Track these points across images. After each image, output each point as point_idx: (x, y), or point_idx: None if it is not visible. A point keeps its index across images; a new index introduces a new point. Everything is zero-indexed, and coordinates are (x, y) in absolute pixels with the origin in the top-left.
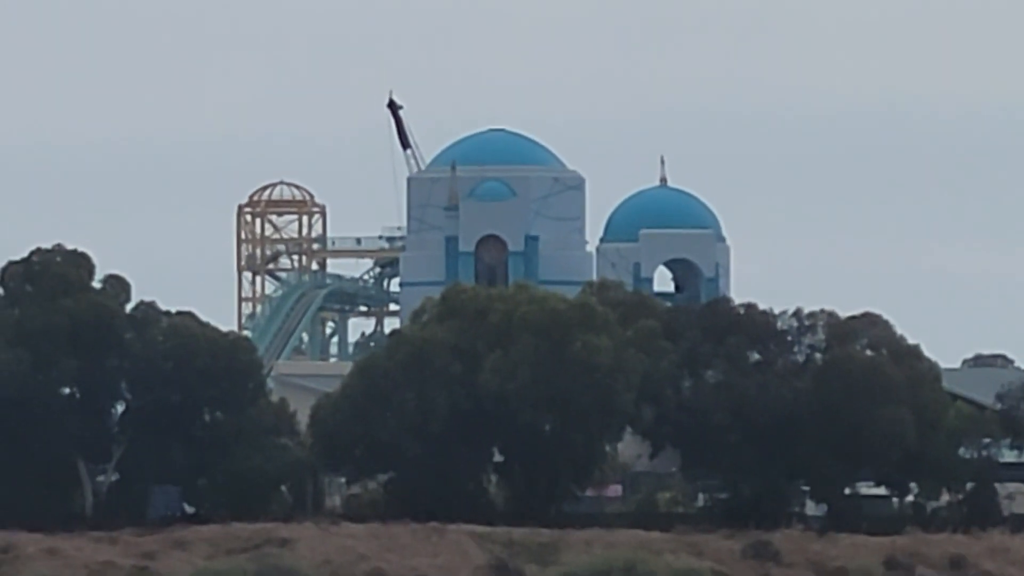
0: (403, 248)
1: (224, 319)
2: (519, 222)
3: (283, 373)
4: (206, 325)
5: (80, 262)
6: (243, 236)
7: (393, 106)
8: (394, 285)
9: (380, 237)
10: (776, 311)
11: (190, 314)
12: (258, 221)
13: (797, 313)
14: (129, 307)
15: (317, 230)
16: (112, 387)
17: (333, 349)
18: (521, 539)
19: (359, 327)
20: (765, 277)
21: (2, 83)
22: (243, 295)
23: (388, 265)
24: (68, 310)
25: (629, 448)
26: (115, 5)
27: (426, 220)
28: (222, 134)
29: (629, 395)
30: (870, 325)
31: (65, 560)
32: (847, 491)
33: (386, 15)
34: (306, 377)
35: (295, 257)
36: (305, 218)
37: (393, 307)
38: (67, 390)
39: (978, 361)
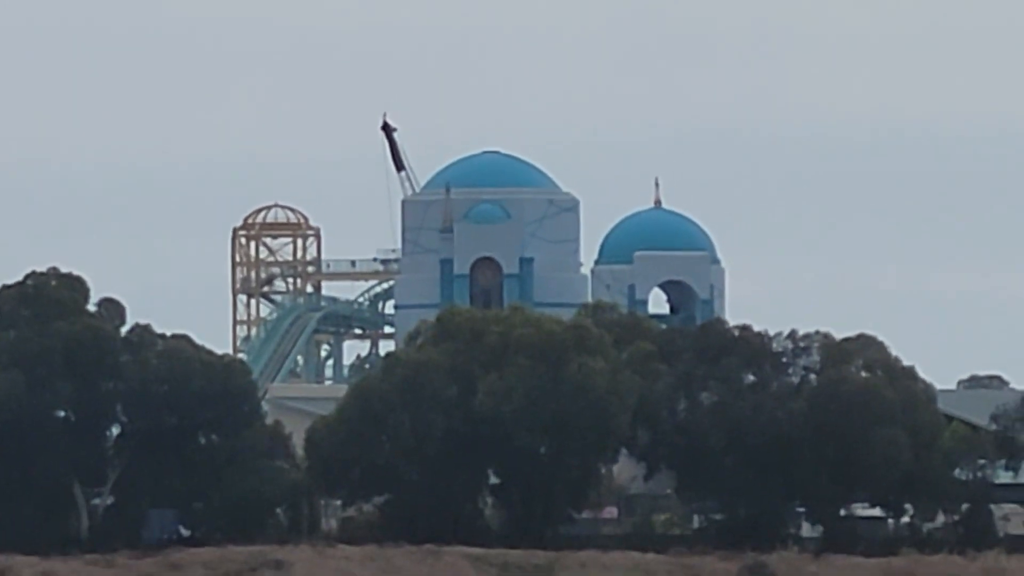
0: (398, 271)
1: (219, 342)
2: (514, 244)
3: (278, 396)
4: (201, 348)
5: (75, 285)
6: (238, 259)
7: (387, 128)
8: (389, 308)
9: (375, 260)
10: (771, 333)
11: (185, 337)
12: (253, 244)
13: (792, 335)
14: (124, 330)
15: (312, 253)
16: (107, 410)
17: (328, 372)
18: (517, 561)
19: (354, 349)
20: (760, 299)
21: None
22: (238, 318)
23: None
24: (63, 333)
25: (625, 470)
26: (109, 29)
27: (421, 243)
28: (216, 157)
29: (624, 417)
30: (865, 346)
31: None
32: (842, 512)
33: (380, 38)
34: (301, 400)
35: (290, 280)
36: (300, 241)
37: (388, 329)
38: (62, 413)
39: (973, 382)
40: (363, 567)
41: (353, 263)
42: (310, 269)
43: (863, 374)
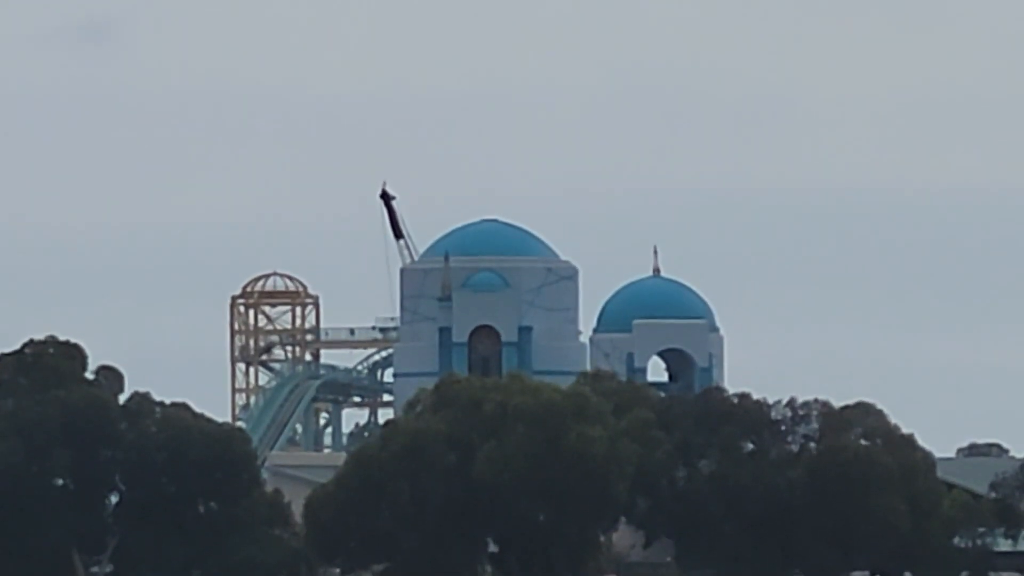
0: (397, 339)
1: (218, 410)
2: (512, 313)
3: (277, 464)
4: (200, 416)
5: (73, 353)
6: (236, 327)
7: (386, 196)
8: (387, 376)
9: (373, 328)
10: (770, 401)
11: (184, 405)
12: (251, 312)
13: (791, 403)
14: (122, 398)
15: (310, 321)
16: (106, 478)
17: (327, 440)
18: None
19: (353, 417)
20: (759, 367)
21: None
22: (237, 386)
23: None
24: (61, 401)
25: (623, 538)
26: (107, 97)
27: (419, 311)
28: (215, 225)
29: (623, 485)
30: (864, 414)
31: None
32: None
33: (378, 106)
34: (300, 468)
35: (288, 348)
36: (298, 309)
37: (387, 397)
38: (61, 481)
39: (972, 450)
40: None
41: (352, 331)
42: (309, 337)
43: (862, 442)
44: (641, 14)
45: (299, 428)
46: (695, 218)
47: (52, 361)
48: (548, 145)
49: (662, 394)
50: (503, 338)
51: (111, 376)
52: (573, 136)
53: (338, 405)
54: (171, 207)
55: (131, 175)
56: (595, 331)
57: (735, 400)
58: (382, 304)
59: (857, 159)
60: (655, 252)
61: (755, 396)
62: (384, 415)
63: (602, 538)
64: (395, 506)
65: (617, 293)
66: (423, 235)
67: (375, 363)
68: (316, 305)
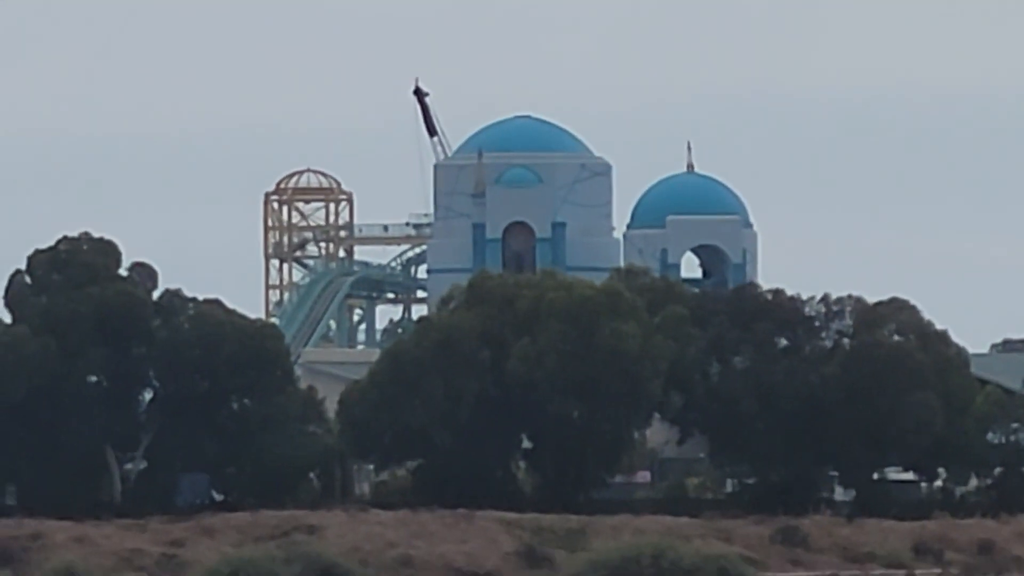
0: (430, 235)
1: (251, 307)
2: (546, 209)
3: (311, 360)
4: (233, 313)
5: (107, 250)
6: (270, 223)
7: (419, 93)
8: (421, 272)
9: (407, 224)
10: (804, 297)
11: (217, 302)
12: (285, 208)
13: (825, 299)
14: (156, 295)
15: (344, 217)
16: (139, 375)
17: (361, 336)
18: (550, 525)
19: (387, 314)
20: (792, 263)
21: (29, 73)
22: (270, 282)
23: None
24: (95, 298)
25: (657, 434)
26: None
27: (453, 207)
28: (249, 122)
29: (657, 381)
30: (898, 310)
31: (94, 548)
32: (875, 476)
33: (412, 2)
34: (334, 364)
35: (322, 244)
36: (332, 205)
37: (421, 294)
38: (94, 378)
39: (1007, 346)
40: (396, 531)
41: (385, 228)
42: (342, 234)
43: (896, 338)
44: None
45: (333, 324)
46: (729, 114)
47: (86, 258)
48: (582, 41)
49: (696, 290)
50: (536, 234)
51: (144, 273)
52: (607, 31)
53: (372, 301)
54: (205, 104)
55: (164, 72)
56: (629, 227)
57: (769, 296)
58: (416, 200)
59: (893, 54)
60: (689, 148)
61: (789, 292)
62: (418, 311)
63: (636, 434)
64: (429, 402)
65: (651, 189)
66: (456, 131)
67: (409, 259)
68: (350, 201)
